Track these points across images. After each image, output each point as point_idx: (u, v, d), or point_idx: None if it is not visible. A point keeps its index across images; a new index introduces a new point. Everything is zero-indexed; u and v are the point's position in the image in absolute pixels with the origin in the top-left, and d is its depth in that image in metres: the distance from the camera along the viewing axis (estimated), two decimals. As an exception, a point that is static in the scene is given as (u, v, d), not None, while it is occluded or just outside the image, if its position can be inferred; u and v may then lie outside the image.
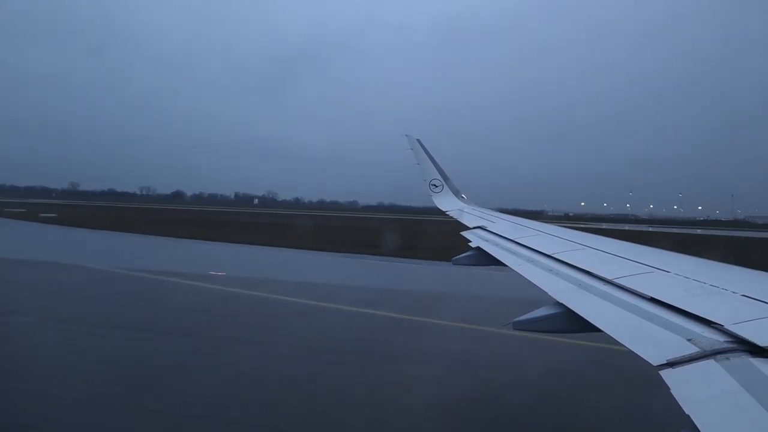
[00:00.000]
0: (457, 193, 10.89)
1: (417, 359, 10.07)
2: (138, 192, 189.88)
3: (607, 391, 8.43)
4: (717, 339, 2.00)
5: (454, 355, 10.44)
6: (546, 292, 3.40)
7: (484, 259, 5.58)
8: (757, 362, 1.76)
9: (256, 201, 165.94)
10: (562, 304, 3.06)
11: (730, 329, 2.04)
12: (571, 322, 2.93)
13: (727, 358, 1.83)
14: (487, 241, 6.08)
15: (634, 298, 2.79)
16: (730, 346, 1.91)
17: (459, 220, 8.67)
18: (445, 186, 10.94)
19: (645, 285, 2.92)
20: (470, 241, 6.43)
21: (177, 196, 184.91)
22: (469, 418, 7.51)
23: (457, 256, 6.17)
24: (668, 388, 1.75)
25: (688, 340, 2.05)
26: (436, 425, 7.25)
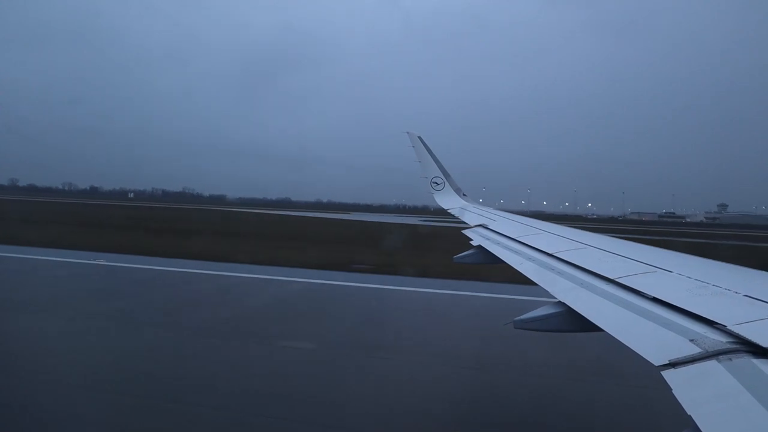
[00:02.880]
0: (458, 191, 10.89)
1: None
2: (60, 187, 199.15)
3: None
4: (720, 339, 1.99)
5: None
6: (547, 291, 3.40)
7: (486, 257, 5.58)
8: (760, 363, 1.75)
9: (131, 195, 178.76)
10: (563, 303, 3.06)
11: (733, 330, 2.03)
12: (572, 322, 2.92)
13: (730, 359, 1.82)
14: (488, 239, 6.08)
15: (636, 297, 2.78)
16: (733, 346, 1.90)
17: (460, 218, 8.67)
18: (447, 184, 10.94)
19: (647, 284, 2.91)
20: (471, 240, 6.43)
21: (93, 190, 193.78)
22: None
23: (459, 255, 6.16)
24: (670, 389, 1.74)
25: (691, 340, 2.04)
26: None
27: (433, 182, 10.93)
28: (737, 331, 2.00)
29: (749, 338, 1.92)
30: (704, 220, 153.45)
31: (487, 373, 9.31)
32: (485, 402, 8.16)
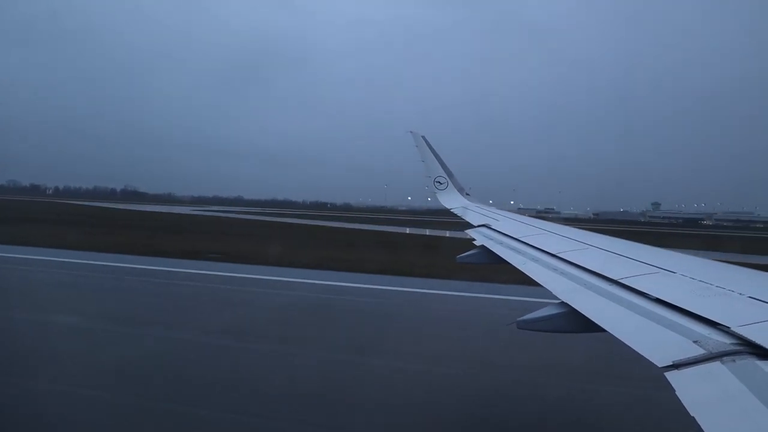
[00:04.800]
0: (461, 191, 10.86)
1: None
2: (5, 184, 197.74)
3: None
4: (723, 341, 1.98)
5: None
6: (550, 292, 3.40)
7: (489, 257, 5.58)
8: (764, 365, 1.74)
9: (49, 191, 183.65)
10: (566, 304, 3.06)
11: (736, 331, 2.03)
12: (575, 322, 2.92)
13: (734, 360, 1.82)
14: (491, 239, 6.07)
15: (639, 298, 2.78)
16: (737, 348, 1.90)
17: (463, 217, 8.66)
18: (450, 183, 10.91)
19: (650, 285, 2.90)
20: (474, 240, 6.43)
21: (33, 188, 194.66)
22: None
23: (462, 255, 6.16)
24: (673, 390, 1.74)
25: (694, 341, 2.04)
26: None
27: (437, 182, 10.91)
28: (741, 333, 2.00)
29: (753, 340, 1.91)
30: (592, 216, 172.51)
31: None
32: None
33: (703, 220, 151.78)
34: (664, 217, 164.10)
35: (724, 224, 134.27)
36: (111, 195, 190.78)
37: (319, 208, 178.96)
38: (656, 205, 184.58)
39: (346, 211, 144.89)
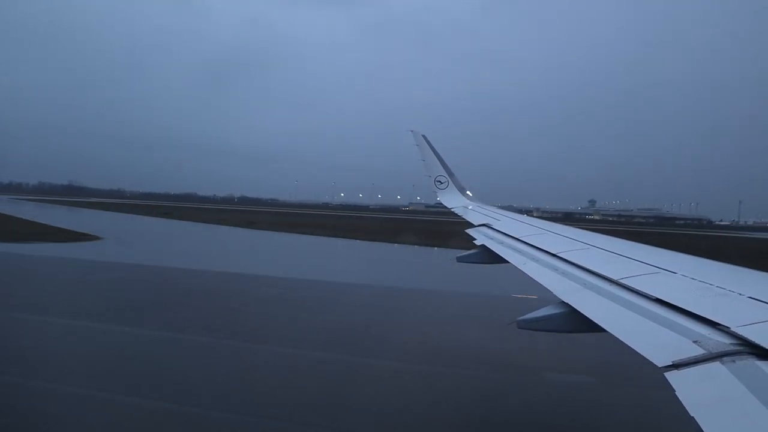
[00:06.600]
0: (462, 190, 10.81)
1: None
2: None
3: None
4: (723, 341, 1.99)
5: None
6: (551, 292, 3.40)
7: (489, 257, 5.57)
8: (763, 365, 1.75)
9: None
10: (566, 304, 3.06)
11: (736, 331, 2.03)
12: (575, 322, 2.92)
13: (733, 361, 1.82)
14: (492, 239, 6.07)
15: (639, 298, 2.78)
16: (736, 348, 1.90)
17: (464, 217, 8.64)
18: (450, 183, 10.87)
19: (651, 286, 2.90)
20: (475, 239, 6.43)
21: None
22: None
23: (462, 254, 6.16)
24: (673, 390, 1.74)
25: (694, 341, 2.04)
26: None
27: (437, 181, 10.87)
28: (741, 333, 2.00)
29: (753, 340, 1.91)
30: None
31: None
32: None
33: (590, 215, 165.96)
34: (550, 213, 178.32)
35: (609, 219, 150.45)
36: (51, 190, 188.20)
37: (228, 202, 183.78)
38: (592, 202, 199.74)
39: (251, 204, 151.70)
